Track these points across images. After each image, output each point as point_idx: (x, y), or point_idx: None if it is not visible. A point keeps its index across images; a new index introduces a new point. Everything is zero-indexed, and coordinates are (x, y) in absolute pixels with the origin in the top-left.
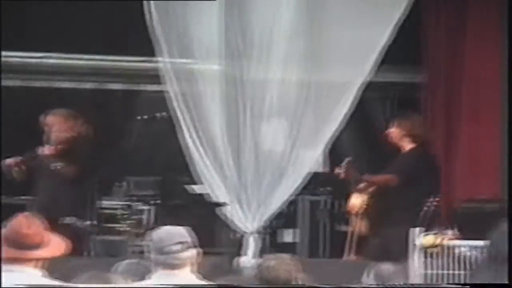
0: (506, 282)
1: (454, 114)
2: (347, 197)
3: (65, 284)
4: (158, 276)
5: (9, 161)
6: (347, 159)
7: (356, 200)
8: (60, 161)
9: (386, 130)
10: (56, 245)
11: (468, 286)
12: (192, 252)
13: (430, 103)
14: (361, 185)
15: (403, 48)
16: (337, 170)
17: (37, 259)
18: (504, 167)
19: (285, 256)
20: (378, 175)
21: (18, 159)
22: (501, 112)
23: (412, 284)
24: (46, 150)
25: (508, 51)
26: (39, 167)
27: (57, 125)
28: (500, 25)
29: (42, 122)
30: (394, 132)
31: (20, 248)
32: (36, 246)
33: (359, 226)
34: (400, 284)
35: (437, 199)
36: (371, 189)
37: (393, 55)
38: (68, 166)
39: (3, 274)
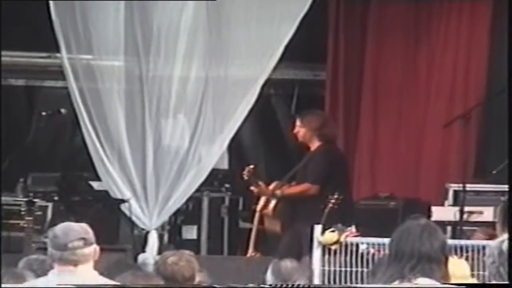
0: (506, 282)
1: (354, 112)
2: (251, 195)
3: (64, 285)
4: (59, 273)
5: None
6: (248, 167)
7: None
8: None
9: (291, 128)
10: None
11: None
12: (92, 248)
13: (331, 101)
14: (277, 193)
15: (305, 45)
16: (251, 187)
17: None
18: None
19: (186, 252)
20: (291, 185)
21: None
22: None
23: (411, 284)
24: None
25: (508, 48)
26: None
27: None
28: (403, 23)
29: None
30: (301, 130)
31: None
32: None
33: (264, 223)
34: (400, 284)
35: (338, 196)
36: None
37: (295, 52)
38: None
39: None
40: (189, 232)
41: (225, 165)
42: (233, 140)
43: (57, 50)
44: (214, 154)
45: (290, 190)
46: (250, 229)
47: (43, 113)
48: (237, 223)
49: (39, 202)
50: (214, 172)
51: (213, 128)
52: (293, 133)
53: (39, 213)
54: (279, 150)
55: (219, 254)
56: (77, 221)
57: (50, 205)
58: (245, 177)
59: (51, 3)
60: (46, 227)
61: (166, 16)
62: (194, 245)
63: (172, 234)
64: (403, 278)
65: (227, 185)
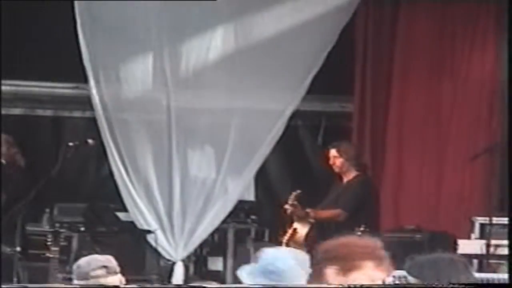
0: (506, 282)
1: (381, 144)
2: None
3: (64, 285)
4: None
5: None
6: (295, 193)
7: (302, 229)
8: None
9: (326, 159)
10: None
11: (467, 287)
12: (116, 278)
13: (358, 133)
14: (309, 220)
15: (333, 77)
16: (285, 206)
17: None
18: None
19: (213, 282)
20: (323, 209)
21: None
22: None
23: (411, 284)
24: None
25: (508, 52)
26: None
27: None
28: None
29: None
30: (337, 160)
31: None
32: None
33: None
34: (400, 284)
35: (365, 227)
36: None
37: (323, 84)
38: None
39: None
40: (215, 264)
41: (251, 197)
42: (259, 171)
43: (85, 80)
44: (240, 186)
45: (322, 214)
46: None
47: (71, 144)
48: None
49: (65, 232)
50: (240, 204)
51: (240, 160)
52: (329, 163)
53: (65, 243)
54: (306, 182)
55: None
56: (102, 252)
57: (76, 235)
58: (290, 202)
59: (79, 33)
60: (72, 258)
61: (194, 47)
62: (219, 276)
63: (198, 265)
64: None
65: (253, 217)
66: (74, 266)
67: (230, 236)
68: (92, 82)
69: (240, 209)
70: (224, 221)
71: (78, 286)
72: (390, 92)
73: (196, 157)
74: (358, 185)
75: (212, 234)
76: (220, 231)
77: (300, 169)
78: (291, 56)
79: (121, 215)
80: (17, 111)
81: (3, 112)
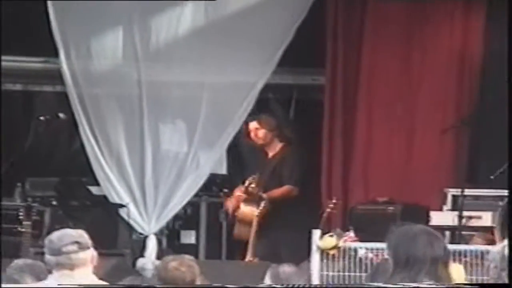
0: (506, 282)
1: (352, 117)
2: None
3: (64, 285)
4: (57, 277)
5: None
6: (251, 178)
7: (246, 208)
8: None
9: (247, 132)
10: None
11: (467, 287)
12: (88, 253)
13: (330, 105)
14: (262, 204)
15: (303, 50)
16: (237, 193)
17: None
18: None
19: (186, 257)
20: (273, 189)
21: None
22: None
23: (410, 284)
24: None
25: (508, 50)
26: None
27: None
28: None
29: None
30: (259, 131)
31: None
32: None
33: (258, 228)
34: (398, 284)
35: (335, 201)
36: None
37: (294, 57)
38: None
39: None
40: (188, 237)
41: (223, 170)
42: (231, 145)
43: (56, 55)
44: (212, 159)
45: (274, 194)
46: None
47: (41, 118)
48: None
49: (37, 206)
50: (212, 177)
51: (212, 133)
52: (250, 137)
53: (37, 218)
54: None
55: (217, 259)
56: (75, 225)
57: (48, 210)
58: (247, 187)
59: (49, 6)
60: (44, 232)
61: (164, 21)
62: (192, 249)
63: (170, 239)
64: (410, 283)
65: (225, 190)
66: (46, 241)
67: (203, 209)
68: (62, 56)
69: (212, 182)
70: (196, 195)
71: (68, 287)
72: (361, 64)
73: (167, 130)
74: (291, 157)
75: (184, 208)
76: (192, 204)
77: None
78: (261, 29)
79: (93, 189)
80: None
81: None
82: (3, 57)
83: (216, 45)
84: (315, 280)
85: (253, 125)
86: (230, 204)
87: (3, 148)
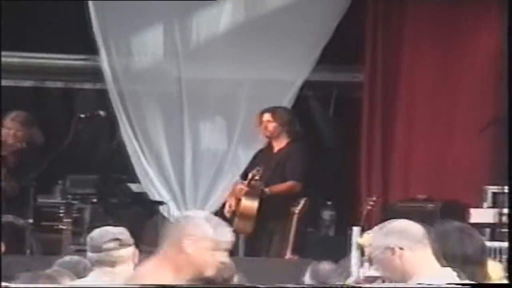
0: (507, 282)
1: (391, 114)
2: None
3: (64, 285)
4: (98, 274)
5: None
6: (254, 171)
7: (247, 202)
8: None
9: (259, 121)
10: None
11: (468, 286)
12: (128, 250)
13: (369, 103)
14: (266, 191)
15: (344, 47)
16: (239, 186)
17: None
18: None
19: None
20: (275, 184)
21: None
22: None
23: (415, 285)
24: None
25: (508, 51)
26: None
27: (13, 131)
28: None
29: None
30: (270, 123)
31: None
32: None
33: (298, 224)
34: (398, 284)
35: (374, 198)
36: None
37: (334, 54)
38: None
39: None
40: None
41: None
42: None
43: (96, 52)
44: (251, 157)
45: (277, 189)
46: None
47: (82, 116)
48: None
49: (77, 204)
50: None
51: (251, 131)
52: (259, 127)
53: (77, 215)
54: (317, 152)
55: (257, 256)
56: (115, 223)
57: (88, 207)
58: (250, 181)
59: (90, 4)
60: (85, 229)
61: (204, 18)
62: (232, 246)
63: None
64: None
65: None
66: (88, 238)
67: None
68: (103, 53)
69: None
70: None
71: (81, 286)
72: (400, 62)
73: (207, 128)
74: (297, 152)
75: (223, 205)
76: None
77: (311, 139)
78: (301, 25)
79: (133, 186)
80: (28, 83)
81: (14, 84)
82: (45, 55)
83: (255, 42)
84: (354, 278)
85: (266, 116)
86: (231, 197)
87: (44, 146)
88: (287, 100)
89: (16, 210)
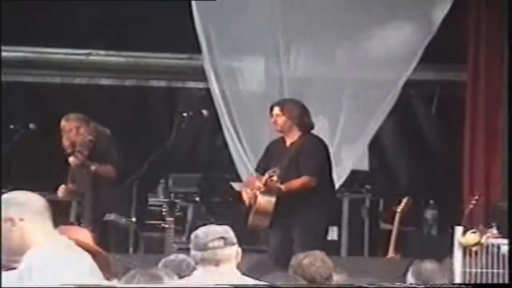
0: (507, 282)
1: (494, 114)
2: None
3: (64, 284)
4: (202, 273)
5: (60, 190)
6: (274, 169)
7: (263, 199)
8: (92, 164)
9: (270, 115)
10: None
11: (468, 286)
12: (233, 249)
13: (471, 102)
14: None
15: (446, 46)
16: (257, 183)
17: None
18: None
19: (317, 252)
20: (290, 179)
21: (63, 187)
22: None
23: (411, 284)
24: (73, 158)
25: (508, 52)
26: (78, 173)
27: (74, 130)
28: None
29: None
30: (279, 117)
31: None
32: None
33: (396, 223)
34: (397, 284)
35: (477, 197)
36: None
37: (436, 53)
38: (102, 165)
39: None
40: (330, 233)
41: (365, 166)
42: (373, 141)
43: (199, 51)
44: (354, 156)
45: (293, 185)
46: (390, 230)
47: (185, 114)
48: (378, 224)
49: (180, 202)
50: (354, 173)
51: (354, 130)
52: (272, 122)
53: (180, 213)
54: (420, 151)
55: (359, 255)
56: (217, 221)
57: (191, 205)
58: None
59: (193, 4)
60: (187, 228)
61: (306, 17)
62: (334, 246)
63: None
64: None
65: (367, 186)
66: (192, 236)
67: (345, 205)
68: (205, 52)
69: (354, 179)
70: (338, 191)
71: (73, 287)
72: (503, 61)
73: None
74: (310, 146)
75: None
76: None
77: (414, 138)
78: (404, 24)
79: (235, 185)
80: (130, 82)
81: (117, 83)
82: (148, 54)
83: (358, 41)
84: (457, 277)
85: (275, 110)
86: (246, 194)
87: (146, 145)
88: (389, 99)
89: (119, 208)
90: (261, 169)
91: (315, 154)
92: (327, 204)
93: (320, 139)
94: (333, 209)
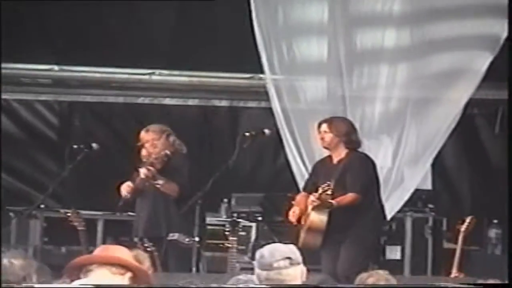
0: (506, 282)
1: None
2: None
3: (64, 285)
4: None
5: (124, 187)
6: (325, 185)
7: (315, 216)
8: (160, 179)
9: (318, 132)
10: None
11: (468, 286)
12: (298, 269)
13: None
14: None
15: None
16: (311, 198)
17: None
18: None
19: (380, 272)
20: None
21: (129, 185)
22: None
23: (410, 284)
24: (145, 170)
25: (508, 49)
26: (142, 186)
27: (150, 142)
28: None
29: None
30: (326, 134)
31: None
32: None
33: (460, 242)
34: (396, 284)
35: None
36: None
37: (499, 71)
38: (169, 183)
39: None
40: (393, 252)
41: (428, 186)
42: (436, 160)
43: (261, 70)
44: (417, 174)
45: (342, 202)
46: (454, 249)
47: (247, 134)
48: (441, 243)
49: (243, 222)
50: (417, 193)
51: (416, 148)
52: (319, 138)
53: (243, 233)
54: (483, 169)
55: (422, 274)
56: (280, 241)
57: (254, 225)
58: (321, 194)
59: (255, 23)
60: (250, 247)
61: (368, 36)
62: (397, 265)
63: (375, 254)
64: None
65: (430, 206)
66: (257, 255)
67: (408, 225)
68: (267, 71)
69: (417, 198)
70: (401, 210)
71: (68, 287)
72: None
73: (372, 145)
74: (357, 163)
75: (389, 223)
76: (397, 220)
77: (477, 157)
78: (466, 43)
79: None
80: (193, 101)
81: (179, 103)
82: (211, 73)
83: (420, 60)
84: None
85: (323, 127)
86: (293, 214)
87: (208, 164)
88: (452, 117)
89: (182, 228)
90: (309, 189)
91: (362, 171)
92: (375, 222)
93: (368, 156)
94: (380, 225)
